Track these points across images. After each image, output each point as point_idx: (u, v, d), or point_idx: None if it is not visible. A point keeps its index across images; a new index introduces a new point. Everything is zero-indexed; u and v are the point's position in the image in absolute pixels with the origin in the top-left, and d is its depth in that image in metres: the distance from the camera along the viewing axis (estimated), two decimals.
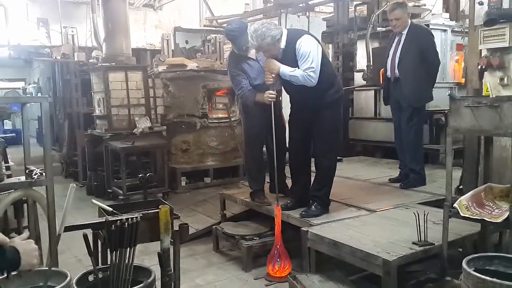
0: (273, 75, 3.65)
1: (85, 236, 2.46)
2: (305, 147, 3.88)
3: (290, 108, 3.99)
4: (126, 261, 2.39)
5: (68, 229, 2.51)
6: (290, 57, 3.57)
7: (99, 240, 2.77)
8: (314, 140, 3.83)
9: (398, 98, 4.70)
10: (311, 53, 3.51)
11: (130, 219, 2.43)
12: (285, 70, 3.58)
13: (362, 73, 6.61)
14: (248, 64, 4.09)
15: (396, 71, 4.66)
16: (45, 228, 3.01)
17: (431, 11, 6.74)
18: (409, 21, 4.71)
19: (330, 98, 3.70)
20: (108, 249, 2.47)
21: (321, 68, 3.55)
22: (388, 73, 4.80)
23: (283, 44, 3.59)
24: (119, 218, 2.51)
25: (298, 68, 3.55)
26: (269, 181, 4.50)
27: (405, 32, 4.65)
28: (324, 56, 3.68)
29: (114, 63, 6.85)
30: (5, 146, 3.91)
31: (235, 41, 4.06)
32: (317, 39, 3.71)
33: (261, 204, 4.23)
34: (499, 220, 2.51)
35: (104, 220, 2.60)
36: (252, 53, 4.09)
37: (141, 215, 2.56)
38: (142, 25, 11.64)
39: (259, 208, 4.26)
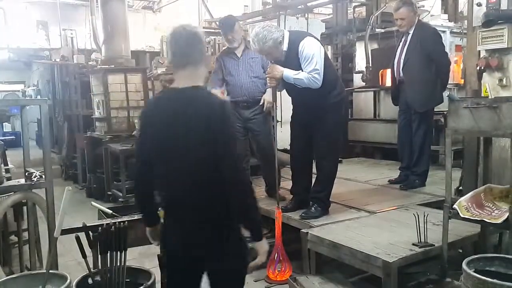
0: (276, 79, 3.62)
1: (78, 239, 2.46)
2: (306, 149, 3.85)
3: (292, 110, 3.96)
4: (118, 264, 2.39)
5: (64, 232, 2.51)
6: (293, 60, 3.53)
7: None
8: (315, 142, 3.79)
9: (406, 100, 4.57)
10: (315, 55, 3.47)
11: (117, 223, 2.43)
12: (289, 73, 3.51)
13: (361, 74, 6.62)
14: (229, 58, 4.33)
15: (401, 73, 4.53)
16: (45, 230, 3.01)
17: (429, 12, 6.74)
18: (416, 20, 4.48)
19: (333, 100, 3.67)
20: (98, 253, 2.46)
21: (324, 70, 3.51)
22: (395, 74, 4.65)
23: (285, 46, 3.54)
24: (106, 222, 2.51)
25: (302, 70, 3.51)
26: (266, 185, 4.54)
27: (411, 32, 4.44)
28: (326, 58, 3.66)
29: (113, 66, 6.86)
30: (5, 149, 3.91)
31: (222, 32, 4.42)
32: (319, 41, 3.68)
33: None
34: (499, 221, 2.50)
35: (98, 223, 2.61)
36: (239, 50, 4.28)
37: (139, 218, 2.56)
38: (141, 27, 11.65)
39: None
